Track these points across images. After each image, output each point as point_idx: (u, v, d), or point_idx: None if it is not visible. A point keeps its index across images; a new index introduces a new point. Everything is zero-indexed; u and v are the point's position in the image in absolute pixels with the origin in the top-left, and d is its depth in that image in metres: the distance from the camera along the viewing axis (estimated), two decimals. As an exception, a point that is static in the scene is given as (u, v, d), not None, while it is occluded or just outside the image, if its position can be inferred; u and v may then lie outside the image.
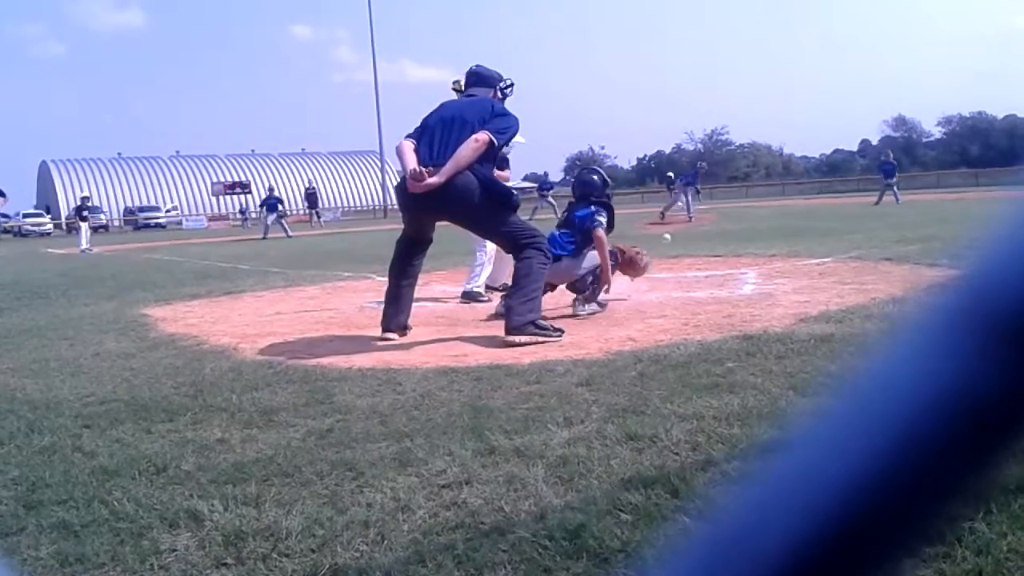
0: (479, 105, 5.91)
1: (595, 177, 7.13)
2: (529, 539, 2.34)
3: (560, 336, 5.50)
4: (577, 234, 6.66)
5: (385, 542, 2.40)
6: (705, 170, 28.03)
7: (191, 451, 3.34)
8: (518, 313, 5.53)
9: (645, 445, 3.09)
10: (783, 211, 27.52)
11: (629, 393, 3.83)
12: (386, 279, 6.27)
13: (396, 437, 3.37)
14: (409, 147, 5.80)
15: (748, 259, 10.20)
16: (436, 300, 8.07)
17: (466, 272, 8.44)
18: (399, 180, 6.07)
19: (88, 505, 2.78)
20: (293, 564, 2.30)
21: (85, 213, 28.79)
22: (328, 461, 3.12)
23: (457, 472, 2.92)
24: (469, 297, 7.90)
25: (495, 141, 5.70)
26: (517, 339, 5.42)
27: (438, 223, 6.05)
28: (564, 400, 3.79)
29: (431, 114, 6.02)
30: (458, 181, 5.59)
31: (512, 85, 6.25)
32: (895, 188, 29.86)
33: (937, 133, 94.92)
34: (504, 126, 5.81)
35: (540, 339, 5.45)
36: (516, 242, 5.83)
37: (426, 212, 5.85)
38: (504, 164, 7.67)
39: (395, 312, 5.99)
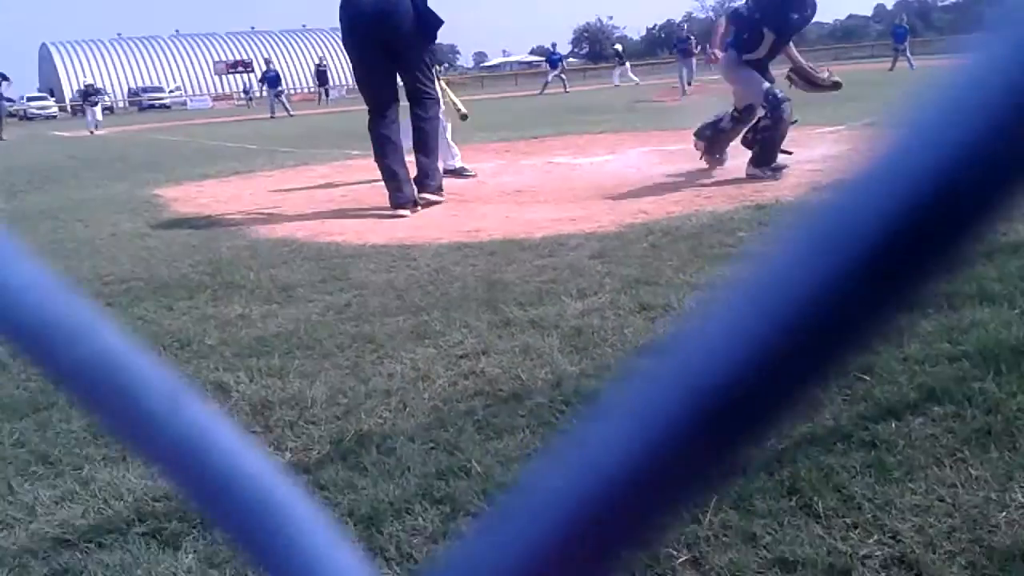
0: None
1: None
2: (546, 405, 2.41)
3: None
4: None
5: (407, 409, 2.47)
6: (686, 34, 26.43)
7: (213, 327, 3.41)
8: (436, 170, 6.27)
9: (658, 314, 3.13)
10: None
11: (641, 264, 3.86)
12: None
13: (413, 311, 3.43)
14: None
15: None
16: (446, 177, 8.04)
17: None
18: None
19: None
20: (319, 431, 2.38)
21: (94, 98, 28.18)
22: (348, 334, 3.18)
23: (474, 343, 2.98)
24: (456, 174, 7.68)
25: None
26: (436, 197, 6.11)
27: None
28: (577, 272, 3.83)
29: None
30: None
31: None
32: (907, 53, 29.16)
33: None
34: None
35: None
36: (428, 87, 6.11)
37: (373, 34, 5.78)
38: None
39: (397, 187, 6.00)
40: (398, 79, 6.12)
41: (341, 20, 5.96)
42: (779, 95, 5.91)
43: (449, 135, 7.79)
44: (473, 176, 7.71)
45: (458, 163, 7.85)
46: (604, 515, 0.20)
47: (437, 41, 6.36)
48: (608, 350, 2.84)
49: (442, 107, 7.11)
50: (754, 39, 6.00)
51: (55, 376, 0.27)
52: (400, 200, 5.95)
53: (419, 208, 6.01)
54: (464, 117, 7.76)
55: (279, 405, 2.56)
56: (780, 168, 6.15)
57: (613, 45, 46.76)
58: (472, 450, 2.17)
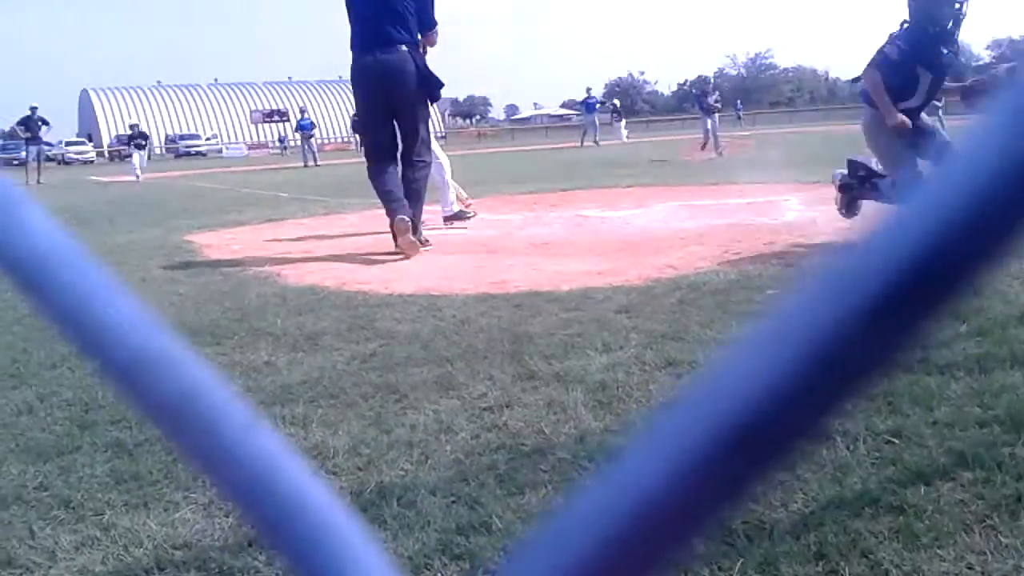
0: None
1: None
2: (569, 460, 2.39)
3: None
4: None
5: (429, 461, 2.46)
6: (710, 89, 25.48)
7: (239, 373, 3.42)
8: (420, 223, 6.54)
9: (684, 371, 3.11)
10: (828, 137, 26.99)
11: (668, 319, 3.85)
12: (424, 207, 6.36)
13: (437, 361, 3.43)
14: None
15: (790, 185, 10.06)
16: (448, 224, 8.08)
17: (472, 202, 8.41)
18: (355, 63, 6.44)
19: (141, 425, 2.87)
20: (340, 482, 2.37)
21: (140, 141, 27.27)
22: (372, 384, 3.18)
23: (498, 395, 2.97)
24: (456, 218, 7.91)
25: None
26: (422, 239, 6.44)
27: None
28: (603, 326, 3.82)
29: None
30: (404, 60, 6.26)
31: None
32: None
33: (986, 57, 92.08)
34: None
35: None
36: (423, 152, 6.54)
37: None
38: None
39: (397, 208, 6.28)
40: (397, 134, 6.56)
41: (351, 75, 6.48)
42: (914, 180, 5.26)
43: (449, 175, 7.99)
44: (473, 215, 8.00)
45: (456, 207, 8.01)
46: (636, 533, 0.23)
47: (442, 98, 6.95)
48: (633, 406, 2.81)
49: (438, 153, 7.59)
50: (908, 84, 5.25)
51: (146, 408, 0.29)
52: (401, 220, 6.22)
53: (424, 242, 6.55)
54: None
55: (301, 455, 2.55)
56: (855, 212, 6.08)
57: (612, 100, 47.06)
58: (494, 505, 2.15)
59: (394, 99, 6.32)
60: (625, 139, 32.73)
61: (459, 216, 7.93)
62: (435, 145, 7.21)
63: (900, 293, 0.21)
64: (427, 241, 6.68)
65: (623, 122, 34.99)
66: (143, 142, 27.82)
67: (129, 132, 29.80)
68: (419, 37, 6.44)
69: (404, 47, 6.28)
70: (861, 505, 2.02)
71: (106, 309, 0.29)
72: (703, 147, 21.13)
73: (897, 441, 2.33)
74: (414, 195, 6.45)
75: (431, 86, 6.49)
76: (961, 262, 0.20)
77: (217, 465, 0.29)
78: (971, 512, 1.95)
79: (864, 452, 2.29)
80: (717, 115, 23.70)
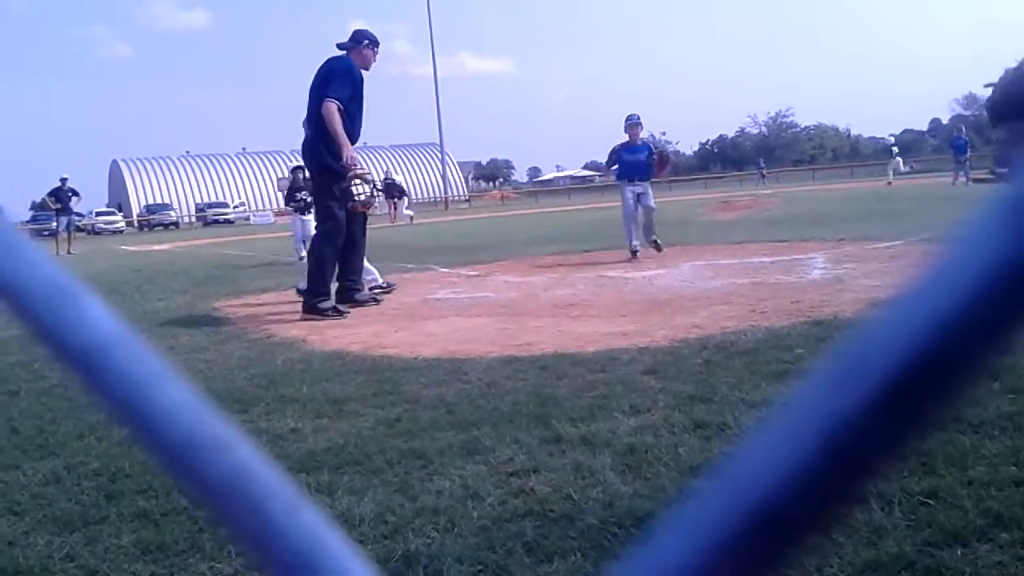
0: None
1: None
2: (598, 527, 2.36)
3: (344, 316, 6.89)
4: None
5: (455, 529, 2.43)
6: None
7: (265, 441, 3.42)
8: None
9: (713, 433, 3.07)
10: (851, 194, 26.98)
11: (695, 381, 3.81)
12: (448, 269, 6.37)
13: (463, 426, 3.41)
14: None
15: (815, 244, 10.03)
16: (497, 290, 8.10)
17: (496, 264, 8.46)
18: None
19: (167, 495, 2.86)
20: (366, 551, 2.34)
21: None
22: (397, 450, 3.17)
23: (524, 460, 2.94)
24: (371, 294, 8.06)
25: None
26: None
27: None
28: (630, 388, 3.79)
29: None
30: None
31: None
32: (967, 167, 28.92)
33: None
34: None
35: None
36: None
37: None
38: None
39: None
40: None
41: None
42: None
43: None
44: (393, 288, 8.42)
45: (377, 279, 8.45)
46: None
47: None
48: (662, 469, 2.77)
49: None
50: None
51: (197, 489, 0.30)
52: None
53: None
54: None
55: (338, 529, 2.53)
56: None
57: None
58: (521, 573, 2.11)
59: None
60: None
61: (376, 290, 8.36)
62: None
63: (910, 381, 0.21)
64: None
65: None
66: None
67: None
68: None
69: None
70: (897, 568, 1.97)
71: (158, 393, 0.31)
72: None
73: (932, 502, 2.28)
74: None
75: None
76: (969, 351, 0.21)
77: (266, 546, 0.30)
78: (1010, 573, 1.90)
79: (899, 514, 2.24)
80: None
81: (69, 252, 23.96)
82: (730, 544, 0.24)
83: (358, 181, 7.34)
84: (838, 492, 0.23)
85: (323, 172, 7.19)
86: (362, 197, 7.39)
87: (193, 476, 0.30)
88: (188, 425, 0.30)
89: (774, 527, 0.23)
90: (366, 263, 8.20)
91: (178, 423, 0.30)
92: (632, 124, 10.51)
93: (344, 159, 7.07)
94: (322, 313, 6.93)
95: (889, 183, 33.10)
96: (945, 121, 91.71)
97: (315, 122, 7.08)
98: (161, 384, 0.31)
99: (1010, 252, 0.20)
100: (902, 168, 36.80)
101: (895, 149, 38.67)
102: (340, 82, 7.09)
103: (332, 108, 6.95)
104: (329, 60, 7.28)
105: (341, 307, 7.08)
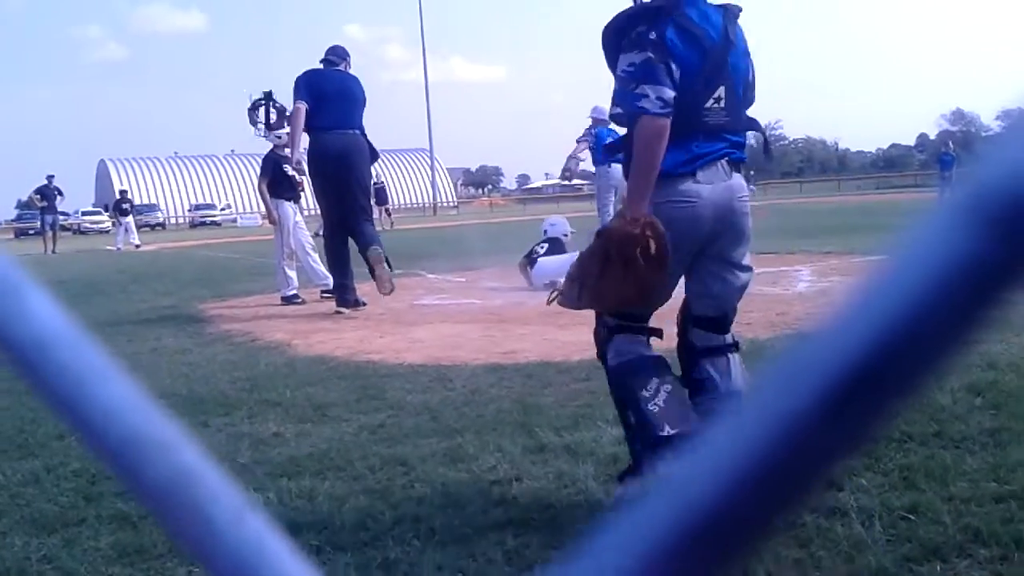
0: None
1: None
2: (579, 537, 2.35)
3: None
4: None
5: (436, 537, 2.42)
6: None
7: (247, 445, 3.40)
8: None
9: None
10: (838, 207, 27.12)
11: (680, 391, 3.81)
12: (436, 275, 6.36)
13: (446, 433, 3.40)
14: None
15: (802, 256, 10.07)
16: (484, 298, 8.10)
17: (483, 271, 8.48)
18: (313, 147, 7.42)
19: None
20: (346, 558, 2.33)
21: (125, 207, 27.38)
22: (380, 456, 3.15)
23: (507, 468, 2.93)
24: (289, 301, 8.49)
25: None
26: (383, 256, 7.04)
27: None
28: (614, 397, 3.78)
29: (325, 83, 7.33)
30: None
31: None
32: (952, 183, 29.07)
33: (996, 127, 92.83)
34: None
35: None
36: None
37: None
38: None
39: (351, 288, 7.42)
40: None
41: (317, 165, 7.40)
42: None
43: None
44: (302, 303, 8.45)
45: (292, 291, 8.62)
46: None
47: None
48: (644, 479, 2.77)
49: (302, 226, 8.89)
50: None
51: (138, 489, 0.30)
52: (355, 300, 7.42)
53: (361, 306, 7.40)
54: None
55: (307, 529, 2.51)
56: None
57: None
58: (501, 582, 2.10)
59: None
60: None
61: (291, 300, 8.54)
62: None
63: (857, 384, 0.21)
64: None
65: None
66: (126, 207, 27.56)
67: (117, 198, 28.70)
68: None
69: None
70: (878, 584, 1.97)
71: (100, 390, 0.30)
72: None
73: (913, 517, 2.29)
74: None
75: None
76: (921, 353, 0.21)
77: (207, 551, 0.29)
78: (991, 592, 1.90)
79: (880, 529, 2.24)
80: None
81: (54, 251, 23.84)
82: (671, 549, 0.24)
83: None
84: (781, 498, 0.23)
85: (368, 173, 7.60)
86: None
87: (134, 476, 0.29)
88: (130, 424, 0.30)
89: (716, 532, 0.23)
90: (317, 265, 8.59)
91: (120, 422, 0.29)
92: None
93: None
94: (346, 305, 7.39)
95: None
96: (932, 136, 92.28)
97: (362, 129, 7.40)
98: (103, 381, 0.30)
99: (963, 251, 0.20)
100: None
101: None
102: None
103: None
104: (359, 82, 7.63)
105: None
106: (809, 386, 0.22)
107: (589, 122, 10.70)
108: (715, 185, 2.60)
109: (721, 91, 2.56)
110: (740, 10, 2.69)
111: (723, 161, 2.62)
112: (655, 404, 2.49)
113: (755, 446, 0.23)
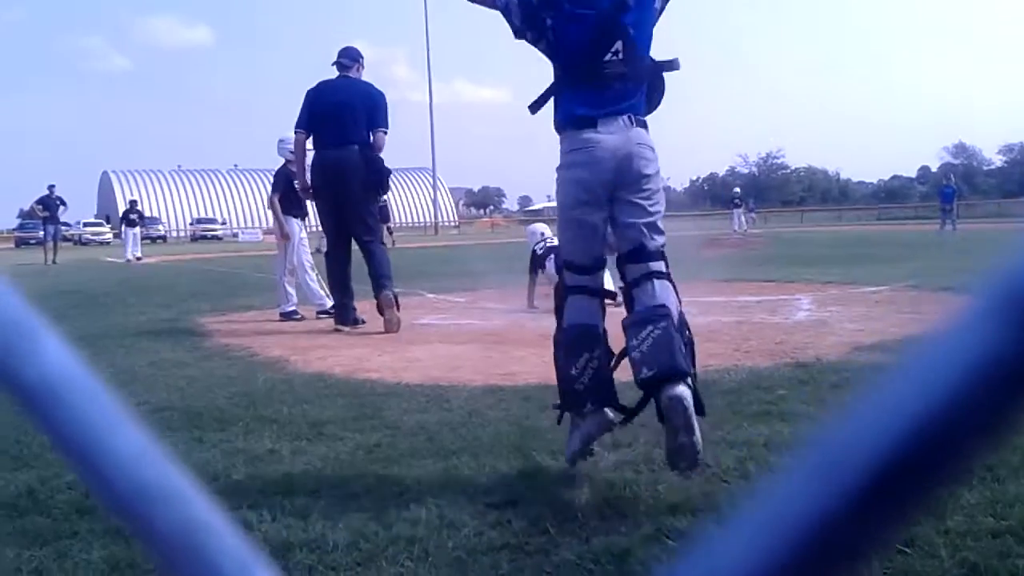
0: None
1: None
2: (574, 562, 2.34)
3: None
4: None
5: (429, 559, 2.40)
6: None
7: (242, 461, 3.38)
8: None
9: (693, 472, 3.06)
10: (839, 237, 27.16)
11: (678, 418, 3.80)
12: (436, 295, 6.36)
13: (443, 454, 3.39)
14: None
15: (802, 285, 10.08)
16: (482, 318, 8.09)
17: (483, 292, 8.47)
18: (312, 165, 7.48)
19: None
20: (339, 577, 2.31)
21: (133, 217, 27.17)
22: (375, 476, 3.14)
23: (503, 491, 2.92)
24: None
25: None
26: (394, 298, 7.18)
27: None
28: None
29: (323, 99, 7.33)
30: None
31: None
32: (952, 215, 29.16)
33: (998, 161, 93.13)
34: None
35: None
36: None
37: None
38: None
39: (351, 307, 7.46)
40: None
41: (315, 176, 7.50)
42: None
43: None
44: (300, 319, 8.44)
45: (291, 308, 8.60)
46: None
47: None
48: (640, 506, 2.76)
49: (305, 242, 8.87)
50: None
51: (146, 538, 0.30)
52: (353, 318, 7.45)
53: (360, 324, 7.42)
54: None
55: (300, 548, 2.50)
56: None
57: None
58: (494, 607, 2.09)
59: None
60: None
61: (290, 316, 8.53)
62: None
63: (891, 478, 0.20)
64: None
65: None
66: (134, 218, 27.34)
67: (127, 208, 28.45)
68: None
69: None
70: (874, 619, 1.96)
71: (112, 440, 0.30)
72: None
73: (909, 551, 2.27)
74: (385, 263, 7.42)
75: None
76: (953, 448, 0.20)
77: None
78: (988, 630, 1.89)
79: (876, 562, 2.23)
80: (740, 210, 24.16)
81: (54, 262, 23.83)
82: None
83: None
84: None
85: (373, 189, 7.50)
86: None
87: (143, 527, 0.29)
88: (141, 474, 0.29)
89: None
90: (315, 284, 8.62)
91: (130, 472, 0.29)
92: None
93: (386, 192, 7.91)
94: (345, 323, 7.48)
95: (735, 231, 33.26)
96: (934, 169, 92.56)
97: (363, 143, 7.27)
98: (114, 430, 0.29)
99: (997, 350, 0.19)
100: (744, 222, 35.89)
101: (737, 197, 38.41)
102: (387, 112, 7.49)
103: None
104: (369, 85, 7.54)
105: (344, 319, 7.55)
106: (848, 475, 0.21)
107: None
108: (615, 135, 3.09)
109: (619, 44, 3.08)
110: None
111: (625, 117, 3.12)
112: (580, 383, 3.05)
113: (788, 537, 0.22)
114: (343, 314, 7.46)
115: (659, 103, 3.33)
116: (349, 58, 7.53)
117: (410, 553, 2.45)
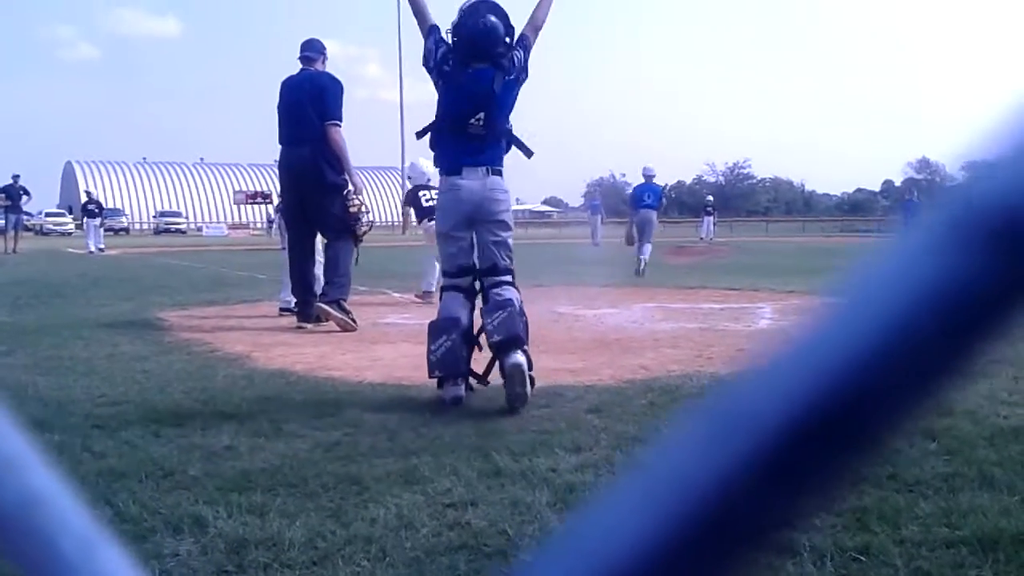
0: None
1: None
2: (532, 563, 2.33)
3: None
4: None
5: (387, 559, 2.39)
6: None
7: (199, 457, 3.34)
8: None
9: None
10: (803, 248, 27.43)
11: (639, 422, 3.82)
12: (400, 294, 6.34)
13: (403, 453, 3.37)
14: None
15: (765, 294, 10.16)
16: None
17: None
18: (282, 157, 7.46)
19: (93, 506, 2.74)
20: (293, 575, 2.29)
21: (92, 208, 26.82)
22: (334, 474, 3.12)
23: (462, 492, 2.91)
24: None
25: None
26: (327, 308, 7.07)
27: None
28: (573, 425, 3.78)
29: (283, 96, 7.34)
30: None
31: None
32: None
33: (961, 178, 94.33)
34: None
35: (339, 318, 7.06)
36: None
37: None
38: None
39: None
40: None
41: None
42: None
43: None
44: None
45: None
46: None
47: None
48: (599, 509, 2.76)
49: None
50: None
51: None
52: (307, 317, 7.34)
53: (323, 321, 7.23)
54: None
55: (255, 545, 2.47)
56: None
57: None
58: (450, 608, 2.08)
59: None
60: (598, 241, 32.27)
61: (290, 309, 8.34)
62: None
63: (807, 433, 0.18)
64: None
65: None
66: (92, 208, 26.98)
67: (84, 200, 27.87)
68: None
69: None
70: (827, 625, 1.97)
71: None
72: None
73: (864, 559, 2.29)
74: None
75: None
76: (888, 395, 0.17)
77: None
78: (938, 637, 1.91)
79: (831, 569, 2.24)
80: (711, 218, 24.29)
81: (15, 251, 23.48)
82: None
83: (364, 207, 7.67)
84: (705, 567, 0.19)
85: (330, 189, 7.31)
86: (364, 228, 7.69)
87: None
88: None
89: None
90: (286, 279, 8.36)
91: None
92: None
93: (356, 186, 7.48)
94: (308, 320, 7.37)
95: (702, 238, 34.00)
96: (898, 183, 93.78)
97: (316, 140, 7.14)
98: None
99: (957, 266, 0.17)
100: (712, 230, 36.43)
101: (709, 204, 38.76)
102: (340, 102, 7.29)
103: (341, 133, 7.23)
104: (320, 76, 7.37)
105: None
106: (749, 437, 0.18)
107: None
108: (475, 182, 4.33)
109: (481, 115, 4.28)
110: (513, 69, 4.36)
111: (483, 168, 4.34)
112: (434, 355, 4.21)
113: (677, 507, 0.19)
114: (305, 311, 7.37)
115: (530, 154, 4.55)
116: (314, 51, 7.45)
117: (367, 552, 2.43)
